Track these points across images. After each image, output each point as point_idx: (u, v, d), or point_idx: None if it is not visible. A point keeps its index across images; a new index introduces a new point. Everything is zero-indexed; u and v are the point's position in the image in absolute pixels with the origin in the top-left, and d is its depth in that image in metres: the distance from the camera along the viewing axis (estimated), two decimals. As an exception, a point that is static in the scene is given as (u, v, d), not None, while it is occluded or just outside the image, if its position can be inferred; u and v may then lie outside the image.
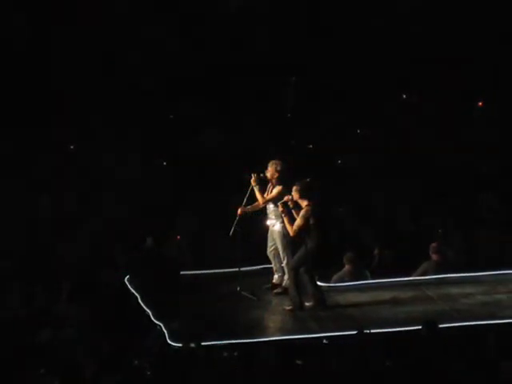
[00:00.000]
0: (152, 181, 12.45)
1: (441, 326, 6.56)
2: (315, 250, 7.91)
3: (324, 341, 6.99)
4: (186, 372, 5.94)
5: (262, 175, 8.44)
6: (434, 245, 9.52)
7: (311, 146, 12.96)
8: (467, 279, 8.89)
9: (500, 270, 9.04)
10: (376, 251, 9.81)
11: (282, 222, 8.10)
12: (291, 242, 8.30)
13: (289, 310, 7.97)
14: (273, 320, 8.03)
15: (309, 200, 7.93)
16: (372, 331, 6.69)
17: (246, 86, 12.68)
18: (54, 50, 12.72)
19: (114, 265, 10.46)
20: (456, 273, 9.09)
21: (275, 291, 8.56)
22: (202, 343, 6.48)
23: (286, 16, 12.78)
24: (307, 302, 7.97)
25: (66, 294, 9.09)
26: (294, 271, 7.91)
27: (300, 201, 7.92)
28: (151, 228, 11.61)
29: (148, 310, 8.10)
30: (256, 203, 8.53)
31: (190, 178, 12.54)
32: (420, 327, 6.50)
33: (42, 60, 12.67)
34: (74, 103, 12.60)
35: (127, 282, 9.17)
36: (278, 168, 8.40)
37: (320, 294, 8.07)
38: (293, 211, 7.93)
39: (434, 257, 9.40)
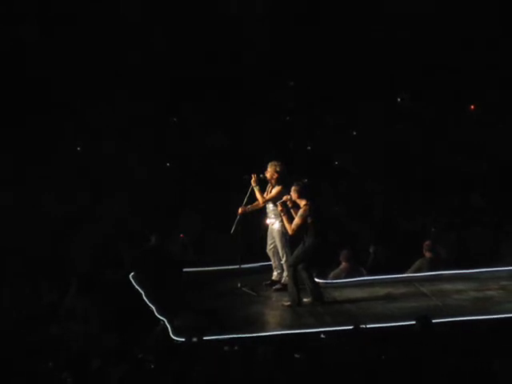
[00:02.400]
0: (156, 181, 12.53)
1: (434, 321, 6.62)
2: (313, 247, 8.04)
3: (321, 335, 7.09)
4: (188, 365, 6.02)
5: (261, 176, 8.58)
6: (427, 243, 9.64)
7: (309, 148, 13.04)
8: (459, 276, 9.01)
9: (491, 267, 9.20)
10: (372, 249, 9.95)
11: (281, 220, 8.22)
12: (290, 240, 8.42)
13: (287, 305, 8.08)
14: (272, 315, 8.15)
15: (307, 200, 8.09)
16: (368, 326, 6.80)
17: (246, 89, 12.76)
18: (60, 52, 12.80)
19: (119, 261, 10.60)
20: (448, 270, 9.23)
21: (274, 287, 8.67)
22: (204, 338, 6.59)
23: (285, 19, 12.83)
24: (305, 298, 8.09)
25: (73, 289, 9.16)
26: (293, 268, 8.05)
27: (298, 200, 8.05)
28: (155, 226, 11.70)
29: (152, 306, 8.21)
30: (256, 203, 8.66)
31: (193, 179, 12.64)
32: (414, 322, 6.56)
33: (49, 61, 12.75)
34: (81, 105, 12.68)
35: (132, 279, 9.29)
36: (277, 169, 8.53)
37: (318, 290, 8.19)
38: (291, 210, 8.06)
39: (428, 254, 9.52)
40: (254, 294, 8.62)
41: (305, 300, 8.07)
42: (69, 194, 12.02)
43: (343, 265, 9.25)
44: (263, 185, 8.65)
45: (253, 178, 8.51)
